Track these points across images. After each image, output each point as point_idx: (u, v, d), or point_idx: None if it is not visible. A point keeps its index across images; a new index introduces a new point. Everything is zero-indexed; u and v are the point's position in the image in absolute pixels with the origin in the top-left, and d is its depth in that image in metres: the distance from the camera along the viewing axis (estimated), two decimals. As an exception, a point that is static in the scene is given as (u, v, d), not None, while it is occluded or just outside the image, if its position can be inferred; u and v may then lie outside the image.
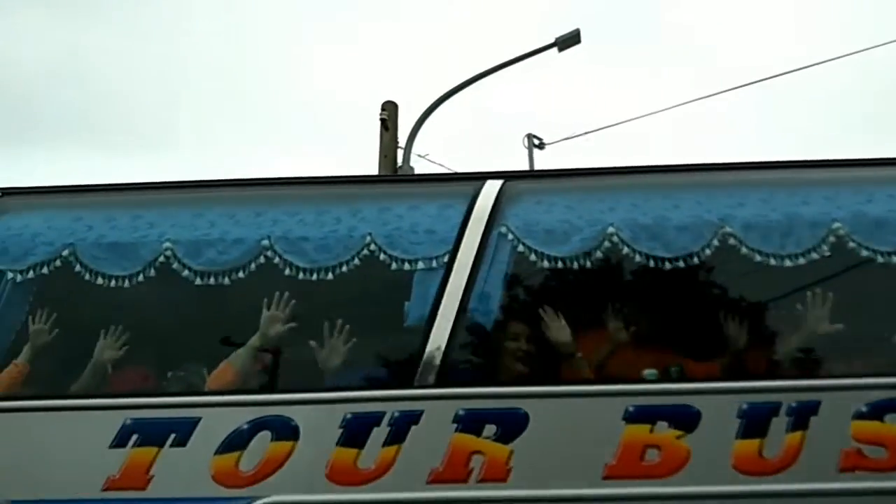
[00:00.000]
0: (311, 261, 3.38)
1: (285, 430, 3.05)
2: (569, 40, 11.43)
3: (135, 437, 3.08)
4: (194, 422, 3.09)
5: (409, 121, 11.40)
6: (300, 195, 3.68)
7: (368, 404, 3.07)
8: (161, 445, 3.07)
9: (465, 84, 11.38)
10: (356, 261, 3.37)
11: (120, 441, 3.08)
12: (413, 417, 3.02)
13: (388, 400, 3.07)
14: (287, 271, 3.37)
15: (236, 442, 3.05)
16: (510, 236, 3.34)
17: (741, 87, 12.66)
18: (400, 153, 11.32)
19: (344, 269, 3.36)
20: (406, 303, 3.32)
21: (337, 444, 3.02)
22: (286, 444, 3.04)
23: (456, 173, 3.73)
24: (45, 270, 3.44)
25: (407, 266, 3.34)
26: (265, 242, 3.41)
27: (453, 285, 3.24)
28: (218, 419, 3.10)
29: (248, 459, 3.03)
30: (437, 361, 3.12)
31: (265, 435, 3.05)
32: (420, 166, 11.56)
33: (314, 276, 3.35)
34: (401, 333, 3.31)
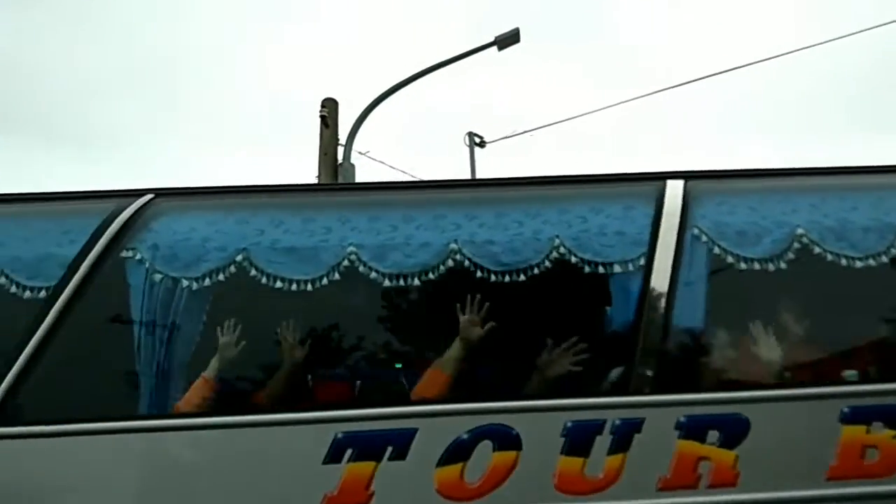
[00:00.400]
0: (501, 264, 3.30)
1: (507, 440, 2.98)
2: (508, 39, 11.51)
3: (349, 451, 2.97)
4: (411, 433, 2.99)
5: (350, 118, 11.31)
6: (474, 198, 3.58)
7: (588, 412, 3.03)
8: (379, 459, 2.97)
9: (406, 82, 11.33)
10: (547, 263, 3.30)
11: (334, 456, 2.97)
12: (635, 425, 2.99)
13: (607, 408, 3.03)
14: (478, 274, 3.29)
15: (458, 453, 2.97)
16: (704, 238, 3.32)
17: (683, 84, 12.80)
18: (340, 150, 11.17)
19: (535, 271, 3.29)
20: (607, 307, 3.28)
21: (561, 452, 2.98)
22: (510, 454, 2.98)
23: (633, 173, 3.64)
24: (220, 277, 3.27)
25: (601, 269, 3.29)
26: (453, 246, 3.32)
27: (656, 289, 3.21)
28: (436, 430, 3.00)
29: (473, 471, 2.96)
30: (652, 367, 3.10)
31: (487, 445, 2.98)
32: (361, 163, 11.49)
33: (506, 279, 3.28)
34: (605, 338, 3.28)
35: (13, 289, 3.24)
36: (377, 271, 3.27)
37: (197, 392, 3.18)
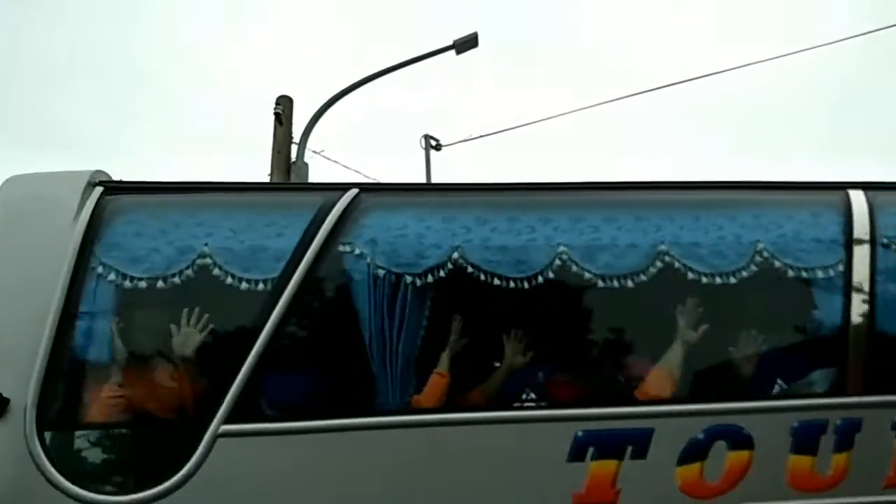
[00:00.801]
0: (710, 266, 3.37)
1: (739, 439, 3.08)
2: (466, 43, 11.47)
3: (591, 450, 3.01)
4: (648, 433, 3.05)
5: (305, 116, 11.08)
6: (670, 200, 3.61)
7: (812, 412, 3.14)
8: (621, 458, 3.01)
9: (363, 81, 11.13)
10: (753, 267, 3.39)
11: (577, 454, 3.00)
12: (855, 425, 3.12)
13: (829, 408, 3.15)
14: (689, 276, 3.35)
15: (695, 452, 3.05)
16: (893, 247, 3.47)
17: (641, 93, 13.00)
18: (294, 149, 10.97)
19: (744, 274, 3.37)
20: (813, 311, 3.40)
21: (791, 451, 3.08)
22: (743, 454, 3.07)
23: (813, 182, 3.76)
24: (441, 273, 3.24)
25: (804, 274, 3.40)
26: (662, 248, 3.37)
27: (858, 294, 3.33)
28: (671, 429, 3.07)
29: (712, 470, 3.04)
30: (863, 370, 3.22)
31: (721, 444, 3.07)
32: (314, 163, 11.25)
33: (717, 281, 3.35)
34: (814, 341, 3.40)
35: (228, 280, 3.14)
36: (589, 271, 3.31)
37: (434, 388, 3.14)
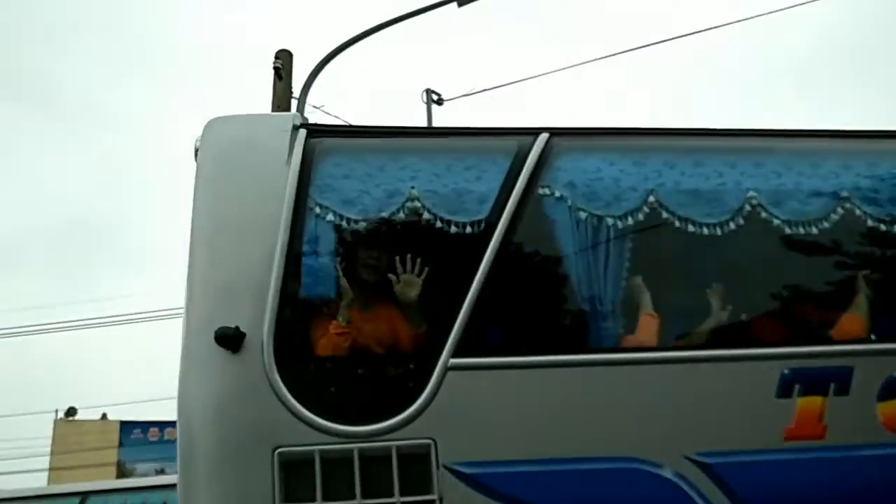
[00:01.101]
0: (889, 213, 3.47)
1: None
2: None
3: (797, 387, 3.11)
4: (849, 371, 3.16)
5: (305, 71, 10.78)
6: (848, 149, 3.69)
7: None
8: (825, 394, 3.12)
9: (364, 35, 10.81)
10: None
11: (784, 391, 3.11)
12: None
13: None
14: (869, 223, 3.45)
15: (894, 389, 3.16)
16: None
17: (642, 47, 12.87)
18: (294, 104, 10.69)
19: None
20: None
21: None
22: None
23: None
24: (639, 216, 3.32)
25: None
26: (844, 194, 3.47)
27: None
28: (870, 367, 3.18)
29: None
30: None
31: None
32: (314, 117, 11.00)
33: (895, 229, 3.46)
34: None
35: (438, 223, 3.21)
36: (777, 217, 3.40)
37: (645, 327, 3.23)
